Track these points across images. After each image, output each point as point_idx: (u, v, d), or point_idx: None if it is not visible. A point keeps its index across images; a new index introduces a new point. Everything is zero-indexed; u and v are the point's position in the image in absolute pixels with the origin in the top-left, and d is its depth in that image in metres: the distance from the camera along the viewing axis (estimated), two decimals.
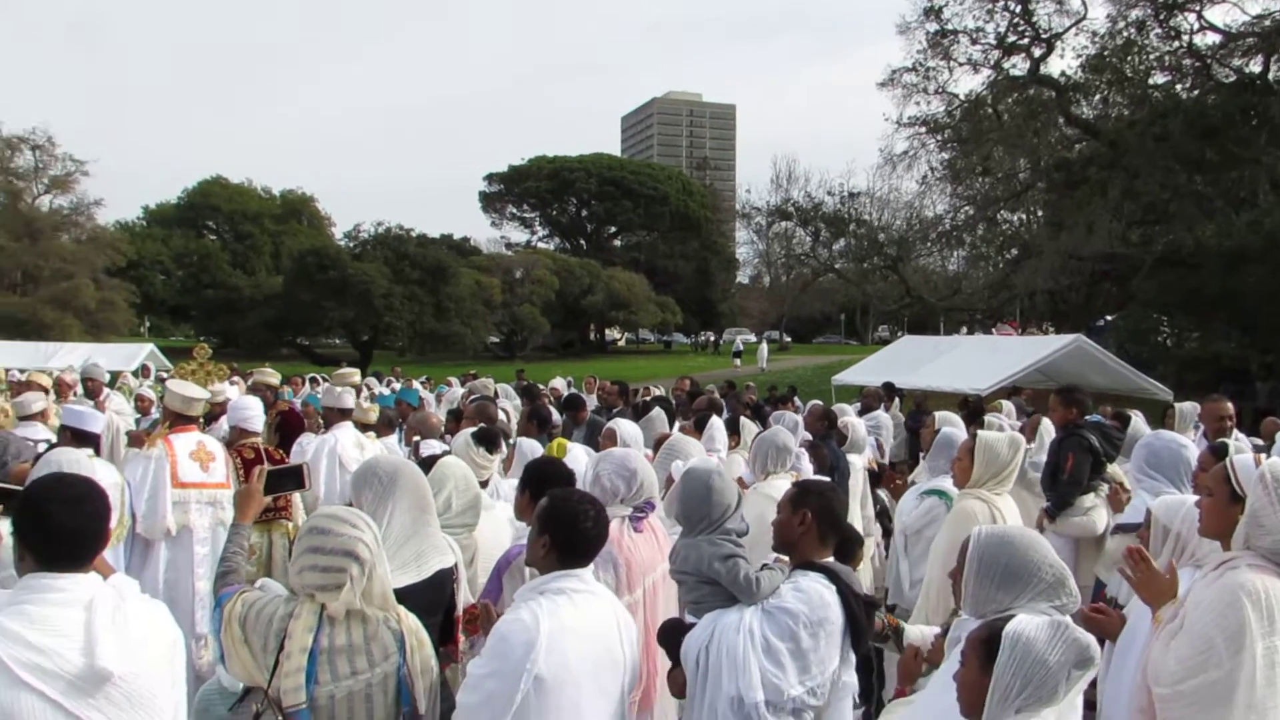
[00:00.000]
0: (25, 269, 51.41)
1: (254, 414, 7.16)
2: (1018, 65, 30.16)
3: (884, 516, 8.06)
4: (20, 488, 2.75)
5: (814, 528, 3.53)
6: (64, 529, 2.42)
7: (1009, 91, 30.25)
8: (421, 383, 21.13)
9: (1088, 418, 7.24)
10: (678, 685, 3.48)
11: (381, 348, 54.79)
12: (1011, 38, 29.61)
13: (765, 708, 3.18)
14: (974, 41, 30.03)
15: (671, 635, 3.54)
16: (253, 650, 2.86)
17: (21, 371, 13.45)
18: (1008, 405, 11.19)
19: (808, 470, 6.23)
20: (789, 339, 66.00)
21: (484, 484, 4.94)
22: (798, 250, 54.28)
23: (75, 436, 6.04)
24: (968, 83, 43.11)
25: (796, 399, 16.53)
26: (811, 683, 3.25)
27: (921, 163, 33.57)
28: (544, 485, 3.81)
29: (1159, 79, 27.72)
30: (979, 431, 5.29)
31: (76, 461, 3.73)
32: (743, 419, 7.86)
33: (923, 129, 32.21)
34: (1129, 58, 27.24)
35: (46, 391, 8.93)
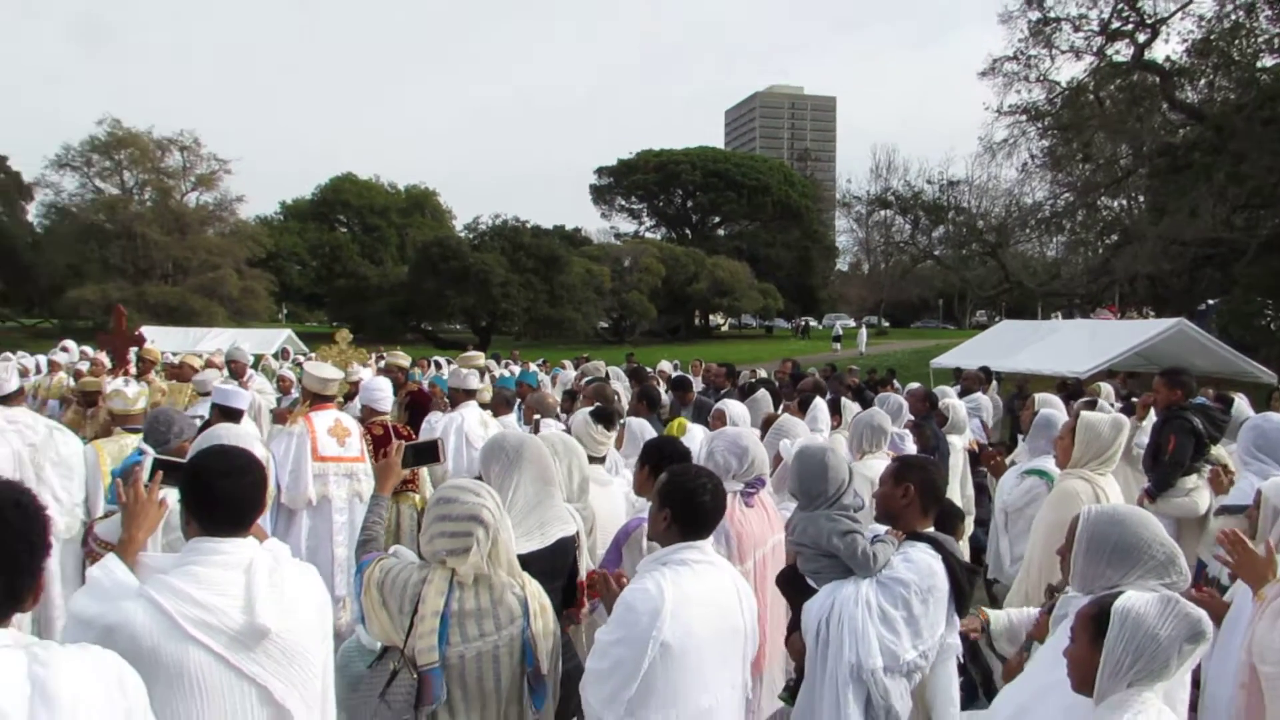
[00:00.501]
0: (176, 260, 53.37)
1: (383, 394, 7.31)
2: (1121, 51, 29.02)
3: (984, 494, 7.90)
4: (184, 460, 2.87)
5: (916, 500, 3.55)
6: (227, 498, 2.52)
7: (1112, 78, 29.14)
8: (538, 365, 21.35)
9: (1192, 400, 6.99)
10: (796, 650, 3.49)
11: (499, 333, 55.54)
12: (1115, 24, 28.47)
13: (883, 672, 3.20)
14: (1077, 29, 28.98)
15: (790, 584, 3.57)
16: (390, 613, 2.93)
17: (174, 354, 13.98)
18: (1106, 388, 10.86)
19: (911, 450, 6.14)
20: (887, 324, 64.88)
21: (600, 460, 4.97)
22: (897, 238, 53.40)
23: (223, 413, 6.26)
24: (1069, 70, 41.77)
25: (895, 382, 16.28)
26: (923, 646, 3.29)
27: (1021, 150, 32.58)
28: (663, 462, 3.83)
29: (1267, 61, 26.32)
30: (1081, 412, 5.13)
31: (237, 436, 3.87)
32: (844, 400, 7.77)
33: (1023, 117, 31.25)
34: (1236, 41, 25.95)
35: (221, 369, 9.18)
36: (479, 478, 3.56)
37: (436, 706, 2.87)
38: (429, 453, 3.74)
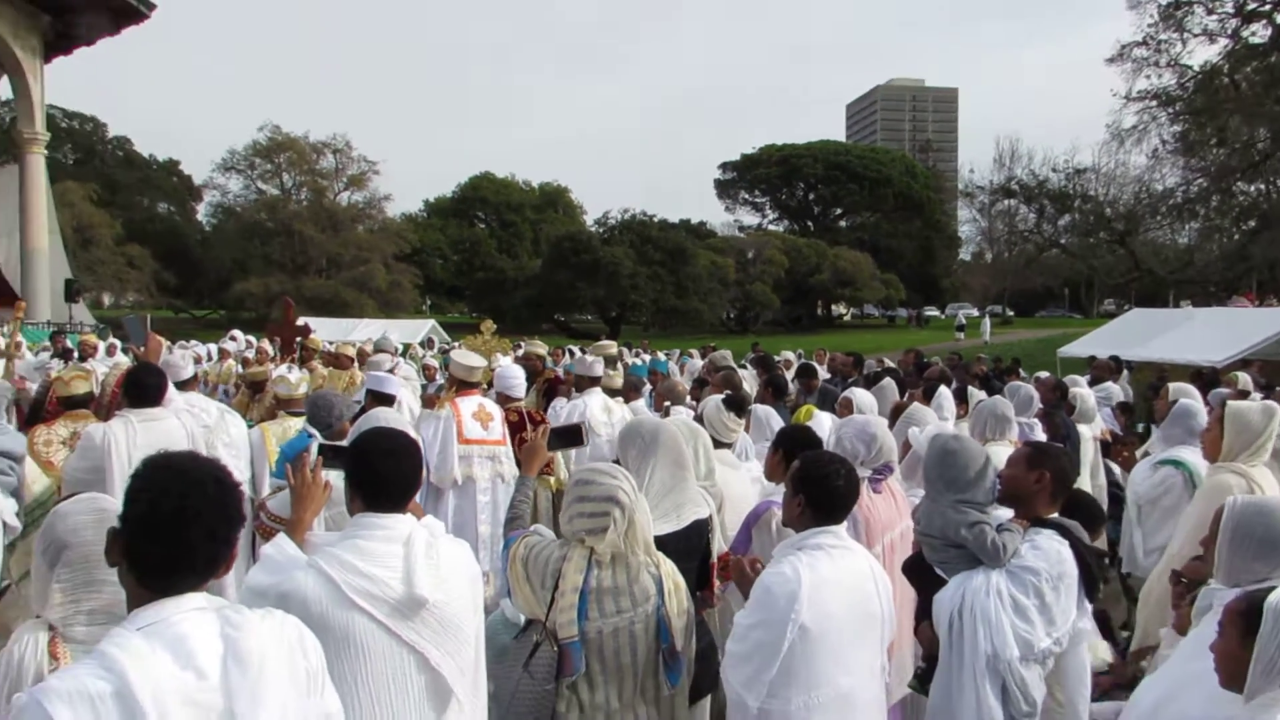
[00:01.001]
0: (329, 255, 55.35)
1: (517, 382, 7.41)
2: (1258, 33, 27.43)
3: (1115, 486, 7.57)
4: (345, 445, 2.98)
5: (1049, 487, 3.44)
6: (387, 476, 2.60)
7: (1247, 60, 27.57)
8: (666, 354, 21.44)
9: None
10: (927, 640, 3.42)
11: (627, 323, 55.94)
12: (1252, 5, 26.91)
13: (1019, 662, 3.12)
14: (1210, 11, 27.51)
15: (916, 573, 3.50)
16: (533, 587, 2.99)
17: (330, 343, 14.51)
18: (1243, 377, 10.27)
19: (1041, 440, 5.92)
20: (1011, 313, 62.84)
21: (730, 445, 4.96)
22: (1021, 226, 51.63)
23: (377, 398, 6.46)
24: (1202, 53, 39.55)
25: (1021, 371, 15.75)
26: (1057, 633, 3.20)
27: (1151, 136, 31.12)
28: (795, 448, 3.80)
29: None
30: (1229, 400, 4.85)
31: (393, 419, 3.99)
32: (970, 389, 7.56)
33: (1153, 102, 29.83)
34: None
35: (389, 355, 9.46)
36: (617, 461, 3.59)
37: (576, 678, 2.91)
38: (573, 436, 3.79)
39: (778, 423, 6.27)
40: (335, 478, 2.92)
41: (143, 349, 5.30)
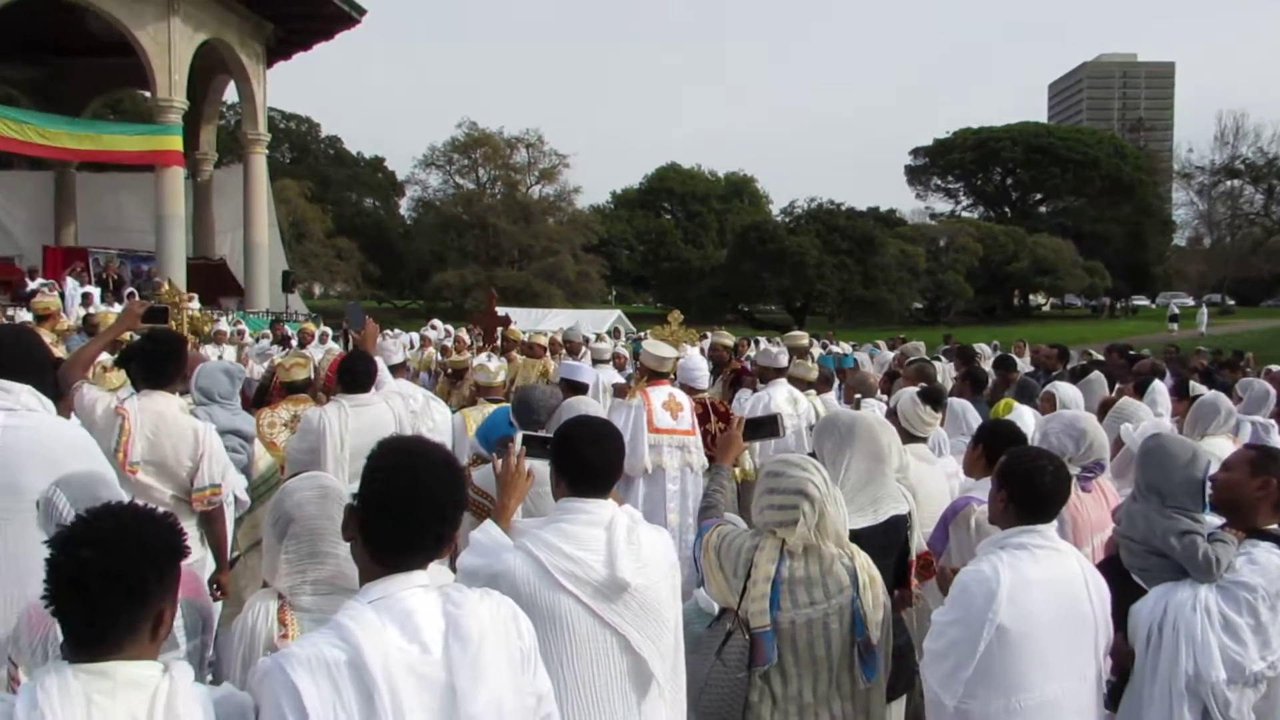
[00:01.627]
0: (521, 247, 57.06)
1: (700, 373, 7.44)
2: None
3: None
4: (548, 435, 3.09)
5: (1274, 496, 3.18)
6: (591, 462, 2.69)
7: None
8: (853, 345, 21.06)
9: None
10: (1119, 653, 3.24)
11: (813, 313, 55.23)
12: None
13: (1225, 685, 2.91)
14: None
15: (1109, 577, 3.32)
16: (725, 575, 3.01)
17: (524, 334, 15.00)
18: None
19: (1276, 442, 5.49)
20: (1232, 302, 58.33)
21: (924, 440, 4.83)
22: (1245, 209, 47.90)
23: (569, 387, 6.64)
24: None
25: (1246, 364, 14.60)
26: (1272, 656, 2.97)
27: None
28: (997, 443, 3.67)
29: None
30: None
31: (591, 407, 4.11)
32: (1191, 383, 7.07)
33: None
34: None
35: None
36: (812, 454, 3.57)
37: (768, 668, 2.91)
38: (769, 427, 3.80)
39: (974, 417, 6.07)
40: (539, 466, 3.04)
41: (360, 333, 5.62)
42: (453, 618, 1.93)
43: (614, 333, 24.92)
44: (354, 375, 5.25)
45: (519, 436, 3.14)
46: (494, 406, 6.15)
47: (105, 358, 6.13)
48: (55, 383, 3.33)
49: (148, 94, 25.35)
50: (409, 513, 1.95)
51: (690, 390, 7.20)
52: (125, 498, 2.56)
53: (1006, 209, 71.45)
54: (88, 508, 1.82)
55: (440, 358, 14.50)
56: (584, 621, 2.54)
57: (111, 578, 1.67)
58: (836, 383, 9.84)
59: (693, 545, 3.31)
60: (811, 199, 61.20)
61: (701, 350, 12.32)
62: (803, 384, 8.09)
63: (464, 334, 15.15)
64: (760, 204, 72.61)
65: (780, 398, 7.74)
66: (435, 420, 6.06)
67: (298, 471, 4.82)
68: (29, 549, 2.83)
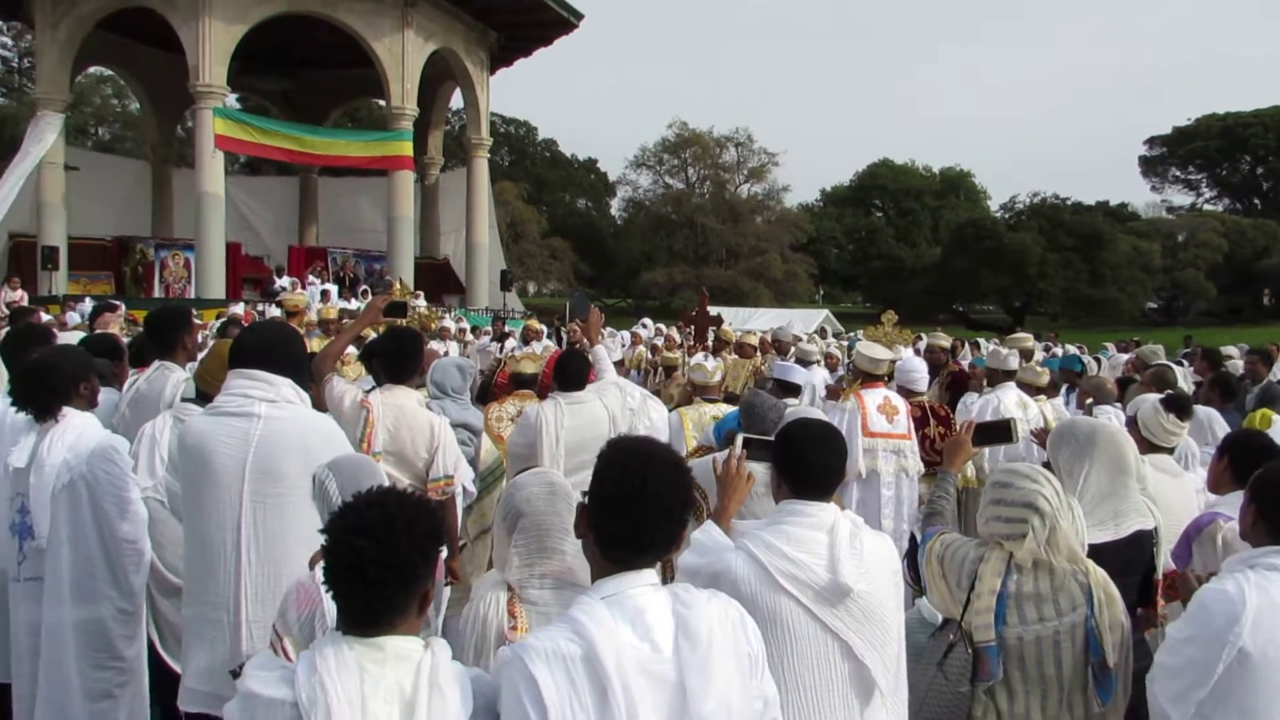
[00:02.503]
0: (728, 246, 57.34)
1: (919, 375, 7.27)
2: None
3: None
4: (770, 438, 3.10)
5: None
6: (814, 464, 2.68)
7: None
8: (1078, 348, 19.99)
9: None
10: None
11: (1033, 313, 52.76)
12: None
13: None
14: None
15: None
16: (948, 585, 2.95)
17: (735, 332, 15.04)
18: None
19: None
20: None
21: (1170, 450, 4.53)
22: None
23: (782, 388, 6.62)
24: None
25: None
26: None
27: None
28: (1247, 456, 3.41)
29: None
30: None
31: (810, 410, 4.11)
32: None
33: None
34: None
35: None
36: (1045, 463, 3.44)
37: (993, 684, 2.82)
38: (1001, 433, 3.67)
39: (1222, 427, 5.66)
40: (757, 469, 3.06)
41: (584, 321, 5.82)
42: (682, 617, 1.97)
43: (821, 332, 24.62)
44: (567, 374, 5.43)
45: (739, 439, 3.17)
46: (710, 406, 6.21)
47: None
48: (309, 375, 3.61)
49: (382, 103, 27.07)
50: (638, 512, 2.00)
51: (909, 393, 7.05)
52: (386, 481, 2.75)
53: (1256, 201, 65.73)
54: (354, 493, 1.98)
55: (650, 356, 14.77)
56: (805, 625, 2.53)
57: (385, 566, 1.82)
58: (1064, 387, 9.39)
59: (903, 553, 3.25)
60: (1034, 193, 58.51)
61: (917, 351, 12.02)
62: (1031, 389, 7.78)
63: (674, 332, 15.35)
64: (978, 199, 70.02)
65: (1009, 402, 7.47)
66: (652, 419, 6.17)
67: (518, 465, 5.07)
68: (285, 530, 3.09)
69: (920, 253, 61.32)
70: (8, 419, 3.89)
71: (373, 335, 6.18)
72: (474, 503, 5.60)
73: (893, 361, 9.79)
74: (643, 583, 2.01)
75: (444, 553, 4.38)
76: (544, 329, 16.14)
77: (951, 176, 70.78)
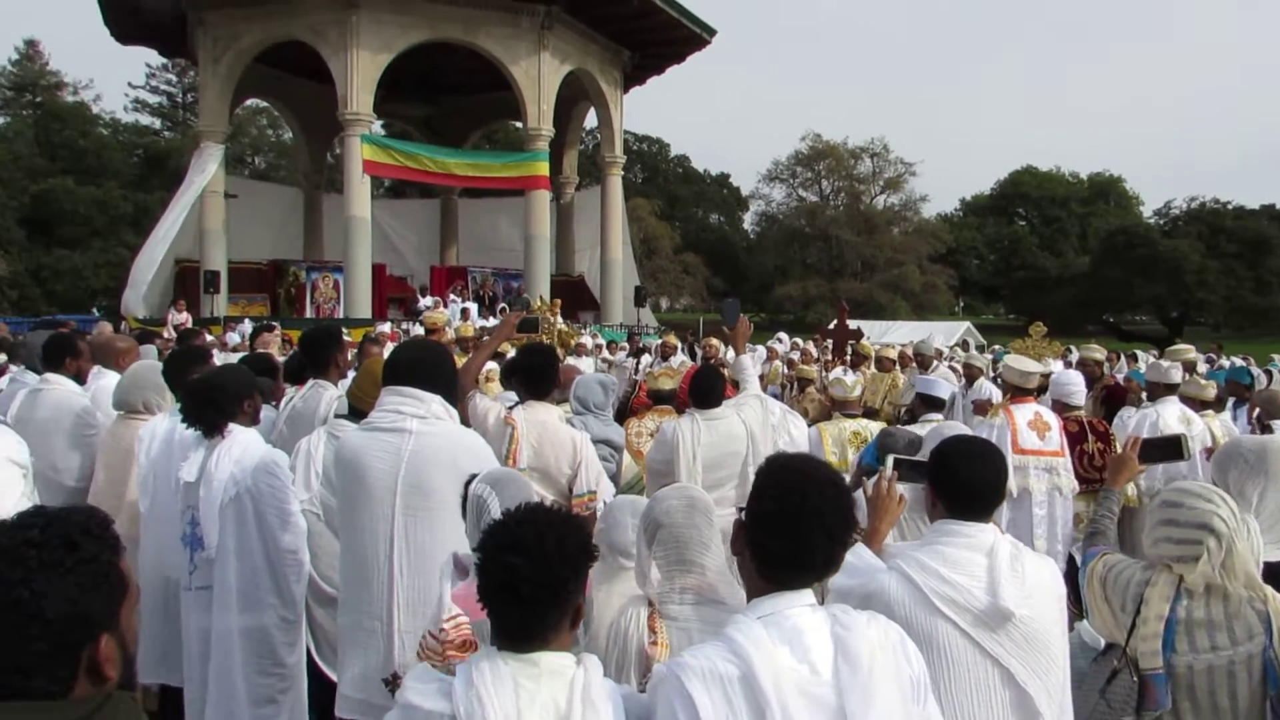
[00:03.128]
0: (864, 259, 56.61)
1: (1076, 389, 6.99)
2: None
3: None
4: (921, 460, 3.01)
5: None
6: (970, 481, 2.58)
7: None
8: (1243, 359, 18.89)
9: None
10: None
11: (1190, 324, 50.18)
12: None
13: None
14: None
15: None
16: (1111, 609, 2.83)
17: (874, 346, 14.79)
18: None
19: None
20: None
21: None
22: None
23: (924, 402, 6.45)
24: None
25: None
26: None
27: None
28: None
29: None
30: None
31: (957, 426, 3.99)
32: None
33: None
34: None
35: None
36: (1214, 481, 3.26)
37: (1160, 714, 2.68)
38: (1171, 450, 3.49)
39: None
40: (907, 490, 2.97)
41: (732, 330, 5.79)
42: (841, 640, 1.92)
43: (963, 345, 23.97)
44: (703, 389, 5.41)
45: (889, 459, 3.09)
46: (850, 422, 6.10)
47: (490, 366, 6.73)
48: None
49: (519, 124, 27.70)
50: (797, 531, 1.96)
51: (1065, 407, 6.78)
52: (536, 497, 2.79)
53: None
54: (505, 510, 2.02)
55: (787, 370, 14.62)
56: (963, 650, 2.45)
57: (539, 583, 1.84)
58: (1230, 402, 8.87)
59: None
60: (1191, 198, 55.64)
61: (1068, 364, 11.55)
62: (1196, 403, 7.38)
63: (811, 347, 15.17)
64: (1129, 205, 67.26)
65: (1171, 417, 7.10)
66: (792, 434, 6.10)
67: (657, 481, 5.07)
68: (435, 543, 3.16)
69: (1067, 262, 59.25)
70: (177, 435, 4.11)
71: (511, 352, 6.30)
72: None
73: (1043, 375, 9.47)
74: (800, 603, 1.97)
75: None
76: (680, 344, 16.17)
77: (1100, 182, 68.15)
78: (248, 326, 14.08)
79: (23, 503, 3.92)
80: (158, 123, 59.53)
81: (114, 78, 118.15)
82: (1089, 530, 3.24)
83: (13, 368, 6.62)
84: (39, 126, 50.62)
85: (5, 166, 45.95)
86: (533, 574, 1.83)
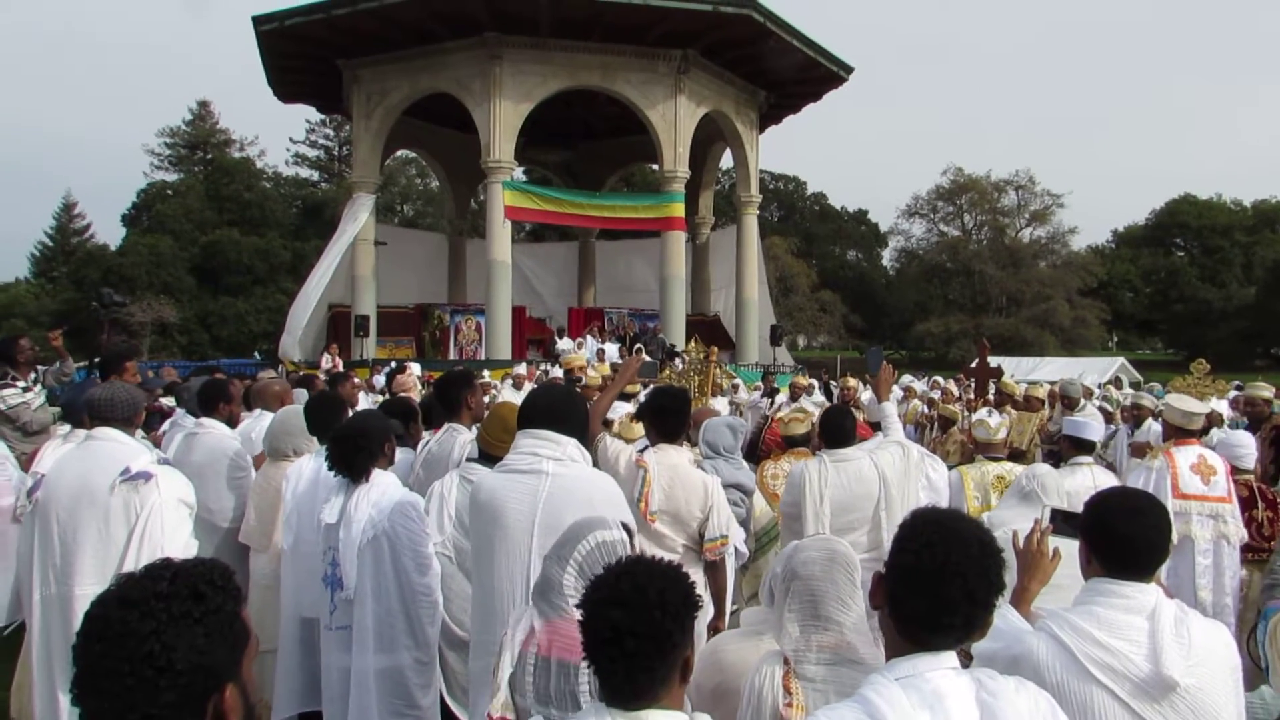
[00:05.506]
0: (1009, 294, 54.84)
1: (1245, 451, 6.36)
2: None
3: None
4: (1076, 512, 2.78)
5: None
6: (1129, 538, 2.39)
7: None
8: None
9: None
10: None
11: None
12: None
13: None
14: None
15: None
16: None
17: (1018, 384, 14.24)
18: None
19: None
20: None
21: None
22: None
23: (1073, 444, 6.10)
24: None
25: None
26: None
27: None
28: None
29: None
30: None
31: (1108, 481, 3.75)
32: None
33: None
34: None
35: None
36: None
37: None
38: None
39: None
40: (1063, 544, 2.76)
41: (875, 377, 5.65)
42: (988, 706, 1.79)
43: (1116, 382, 22.85)
44: (832, 430, 5.25)
45: (1046, 510, 2.89)
46: (993, 465, 5.84)
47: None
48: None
49: (655, 167, 27.98)
50: (936, 589, 1.85)
51: (1234, 470, 6.20)
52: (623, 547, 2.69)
53: None
54: (606, 565, 1.97)
55: (926, 409, 14.19)
56: (1121, 719, 2.25)
57: (640, 637, 1.79)
58: None
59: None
60: None
61: (1233, 404, 10.80)
62: None
63: (952, 385, 14.70)
64: None
65: None
66: (930, 478, 5.87)
67: (789, 526, 4.93)
68: None
69: (1230, 293, 56.02)
70: (321, 476, 4.22)
71: (643, 394, 6.27)
72: (748, 563, 5.51)
73: (1210, 415, 8.85)
74: (942, 665, 1.85)
75: (710, 615, 4.34)
76: (813, 383, 15.91)
77: (1266, 210, 64.17)
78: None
79: (191, 542, 4.09)
80: (315, 175, 62.82)
81: (277, 134, 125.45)
82: (1268, 582, 2.97)
83: (178, 410, 6.96)
84: (209, 181, 54.04)
85: (178, 220, 49.27)
86: (634, 627, 1.78)
